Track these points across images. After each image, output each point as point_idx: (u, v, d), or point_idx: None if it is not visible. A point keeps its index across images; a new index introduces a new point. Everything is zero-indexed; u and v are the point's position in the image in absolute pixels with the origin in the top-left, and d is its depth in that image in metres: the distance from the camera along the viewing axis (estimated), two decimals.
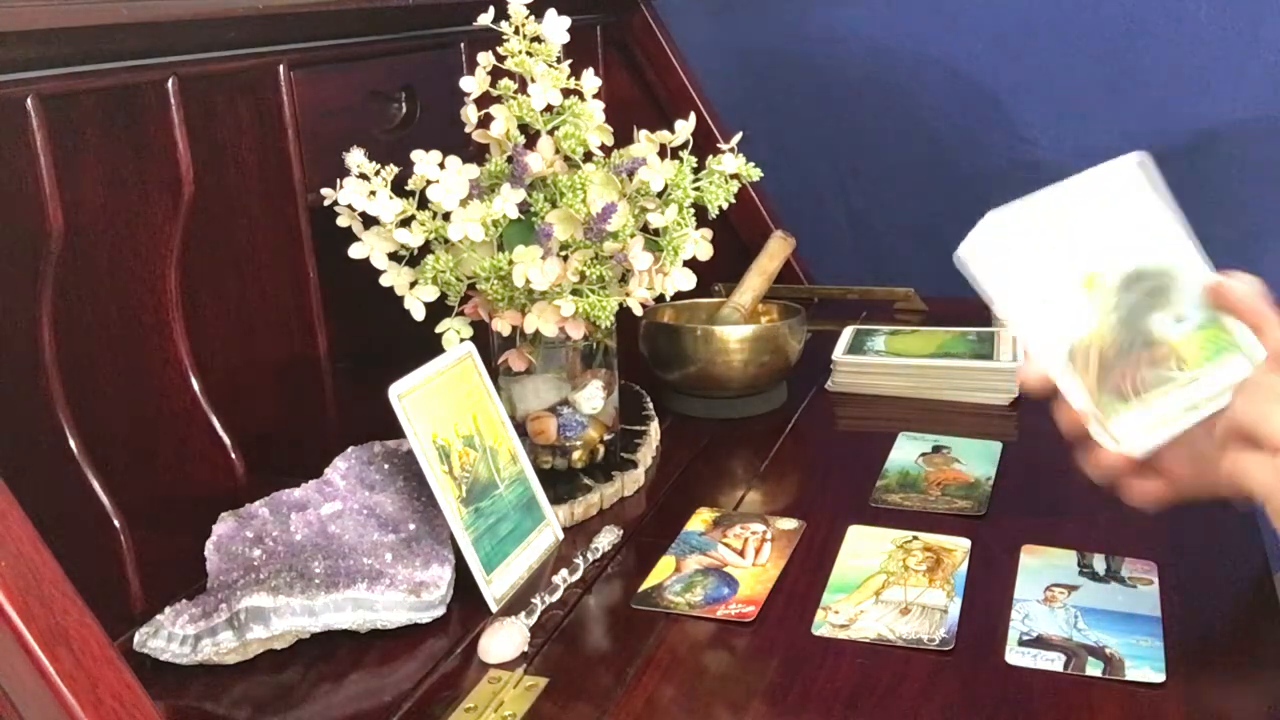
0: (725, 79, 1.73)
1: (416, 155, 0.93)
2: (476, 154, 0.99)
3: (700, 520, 0.98)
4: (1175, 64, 1.62)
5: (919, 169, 1.80)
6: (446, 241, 0.93)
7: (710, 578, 0.88)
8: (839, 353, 1.28)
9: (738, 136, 0.99)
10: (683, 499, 1.02)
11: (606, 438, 1.06)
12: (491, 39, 0.97)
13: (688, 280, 0.98)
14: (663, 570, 0.90)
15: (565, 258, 0.93)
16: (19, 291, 0.80)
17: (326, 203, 0.94)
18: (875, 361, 1.26)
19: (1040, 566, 0.87)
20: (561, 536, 0.96)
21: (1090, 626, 0.79)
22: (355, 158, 0.92)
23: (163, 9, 0.81)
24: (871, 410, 1.23)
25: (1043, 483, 1.01)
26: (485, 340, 1.00)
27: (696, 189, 0.97)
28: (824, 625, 0.81)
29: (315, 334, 1.01)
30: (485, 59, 0.97)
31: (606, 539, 0.94)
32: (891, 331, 1.34)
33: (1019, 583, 0.85)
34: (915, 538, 0.92)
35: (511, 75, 0.96)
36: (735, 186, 0.98)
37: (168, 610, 0.80)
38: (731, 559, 0.91)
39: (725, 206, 0.98)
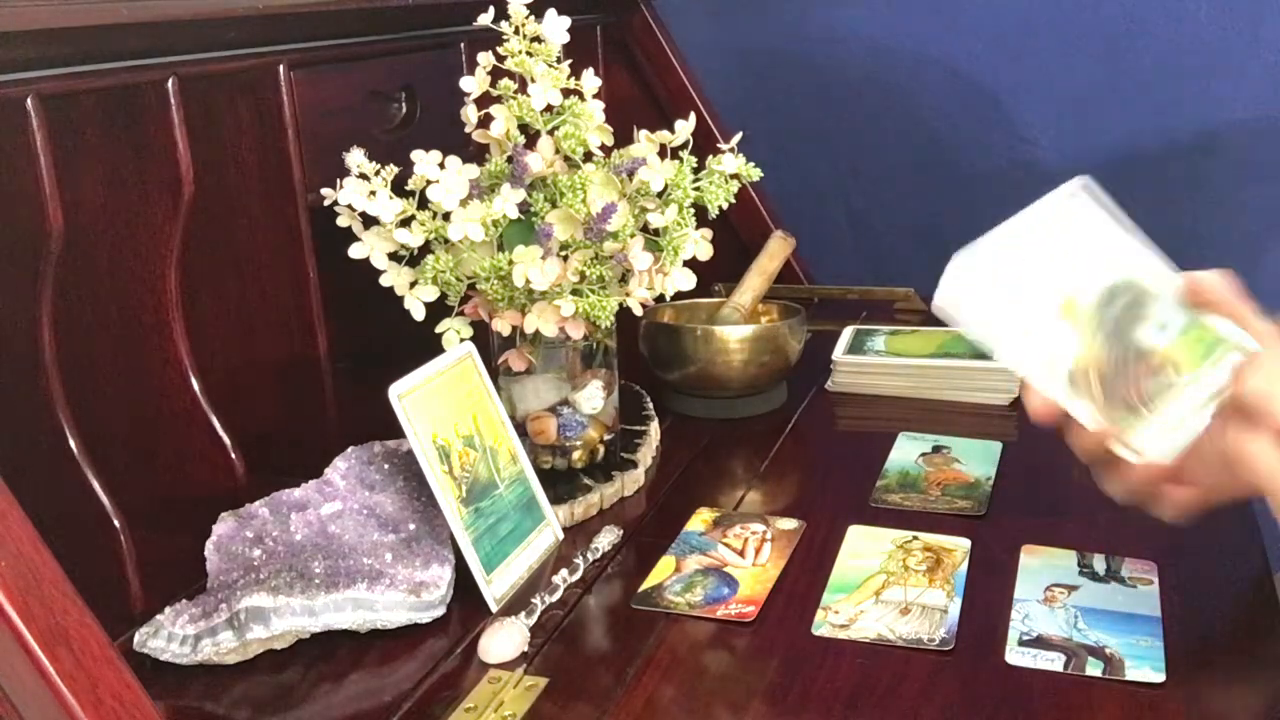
0: (725, 79, 1.73)
1: (416, 155, 0.93)
2: (476, 154, 0.99)
3: (700, 520, 0.98)
4: (1175, 64, 1.62)
5: (919, 169, 1.80)
6: (446, 241, 0.93)
7: (710, 578, 0.88)
8: (839, 353, 1.28)
9: (738, 136, 0.99)
10: (683, 499, 1.02)
11: (606, 438, 1.06)
12: (491, 39, 0.97)
13: (688, 280, 0.98)
14: (663, 570, 0.90)
15: (565, 258, 0.93)
16: (19, 291, 0.80)
17: (326, 203, 0.94)
18: (875, 361, 1.26)
19: (1040, 566, 0.87)
20: (561, 536, 0.96)
21: (1090, 626, 0.79)
22: (355, 158, 0.92)
23: (163, 9, 0.81)
24: (871, 410, 1.23)
25: (1043, 483, 1.01)
26: (485, 340, 1.00)
27: (696, 189, 0.97)
28: (824, 625, 0.81)
29: (315, 334, 1.01)
30: (485, 59, 0.97)
31: (606, 539, 0.94)
32: (891, 331, 1.34)
33: (1019, 583, 0.85)
34: (915, 538, 0.92)
35: (511, 75, 0.96)
36: (735, 186, 0.98)
37: (168, 610, 0.80)
38: (731, 559, 0.91)
39: (725, 206, 0.98)
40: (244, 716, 0.75)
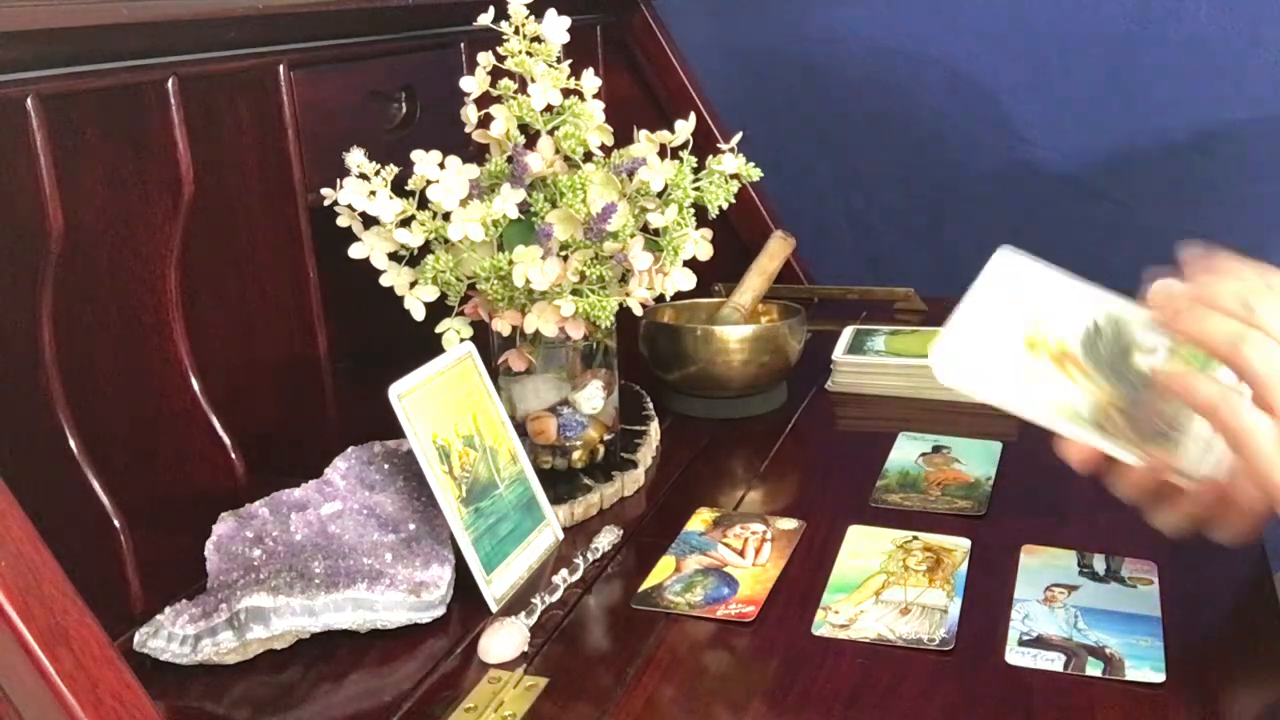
0: (725, 79, 1.73)
1: (416, 155, 0.93)
2: (476, 154, 0.99)
3: (700, 520, 0.98)
4: (1175, 64, 1.62)
5: (919, 169, 1.80)
6: (446, 241, 0.93)
7: (710, 578, 0.88)
8: (839, 353, 1.28)
9: (738, 136, 0.99)
10: (683, 499, 1.02)
11: (606, 438, 1.06)
12: (491, 39, 0.97)
13: (688, 280, 0.98)
14: (663, 570, 0.90)
15: (565, 258, 0.93)
16: (19, 291, 0.80)
17: (326, 203, 0.94)
18: (875, 361, 1.26)
19: (1040, 566, 0.87)
20: (561, 536, 0.96)
21: (1090, 626, 0.79)
22: (355, 158, 0.92)
23: (163, 9, 0.81)
24: (871, 410, 1.23)
25: (1043, 483, 1.01)
26: (485, 340, 1.00)
27: (696, 189, 0.97)
28: (824, 625, 0.81)
29: (315, 334, 1.01)
30: (485, 59, 0.97)
31: (606, 539, 0.94)
32: (891, 331, 1.34)
33: (1019, 583, 0.85)
34: (915, 538, 0.92)
35: (511, 75, 0.96)
36: (735, 186, 0.98)
37: (168, 610, 0.80)
38: (731, 559, 0.91)
39: (725, 206, 0.98)
40: (244, 716, 0.75)
